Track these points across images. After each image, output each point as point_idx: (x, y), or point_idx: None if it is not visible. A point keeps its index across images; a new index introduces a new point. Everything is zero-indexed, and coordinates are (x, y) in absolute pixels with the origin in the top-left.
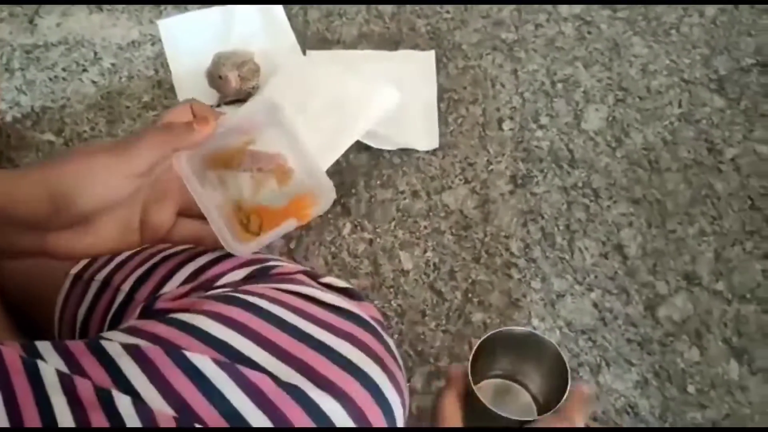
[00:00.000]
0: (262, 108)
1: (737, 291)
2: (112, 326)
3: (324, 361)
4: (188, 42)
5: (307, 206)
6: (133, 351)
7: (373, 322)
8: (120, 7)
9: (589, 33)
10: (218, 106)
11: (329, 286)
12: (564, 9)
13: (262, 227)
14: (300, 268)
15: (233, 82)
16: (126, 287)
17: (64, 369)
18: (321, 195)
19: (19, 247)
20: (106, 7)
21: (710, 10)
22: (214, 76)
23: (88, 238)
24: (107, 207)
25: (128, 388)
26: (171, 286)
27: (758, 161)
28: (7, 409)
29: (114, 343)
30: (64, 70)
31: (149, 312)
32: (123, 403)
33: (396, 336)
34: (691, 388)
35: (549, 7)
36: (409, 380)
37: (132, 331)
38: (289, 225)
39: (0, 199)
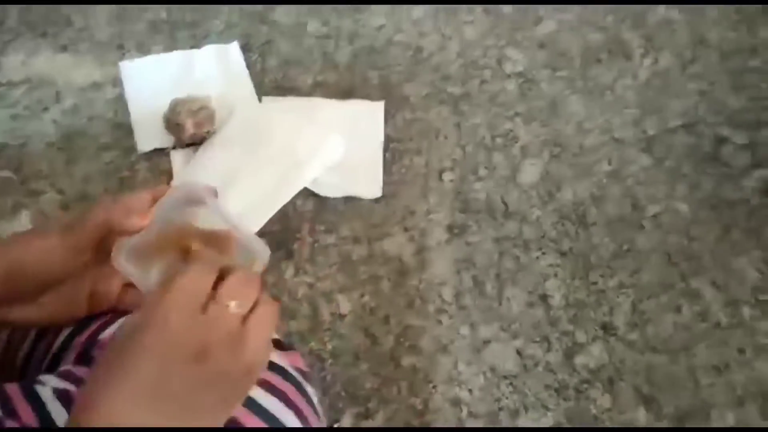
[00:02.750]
0: (195, 189)
1: (650, 342)
2: (50, 369)
3: (242, 409)
4: (148, 85)
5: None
6: (63, 395)
7: (296, 374)
8: (84, 47)
9: (530, 90)
10: (174, 149)
11: None
12: (508, 66)
13: None
14: None
15: (190, 129)
16: (66, 331)
17: None
18: (258, 256)
19: None
20: (71, 47)
21: (644, 73)
22: (171, 122)
23: (39, 311)
24: (55, 282)
25: None
26: (108, 333)
27: (678, 219)
28: None
29: (47, 387)
30: (25, 108)
31: (85, 357)
32: None
33: (329, 377)
34: (602, 427)
35: (494, 63)
36: (337, 420)
37: (65, 376)
38: None
39: None
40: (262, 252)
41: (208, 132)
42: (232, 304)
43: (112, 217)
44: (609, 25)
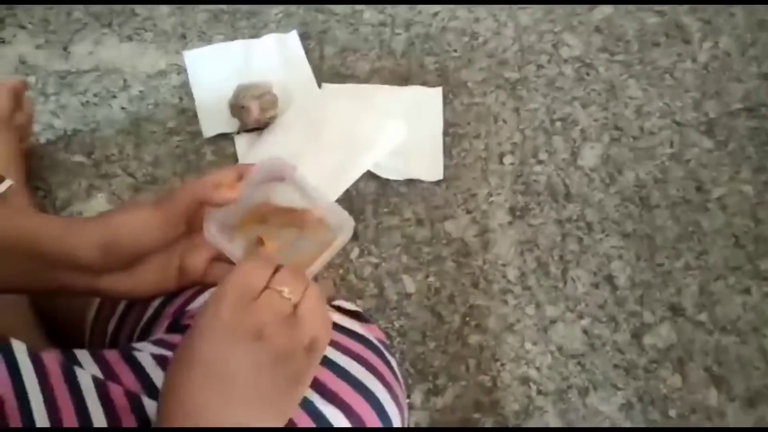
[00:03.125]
0: (276, 165)
1: (719, 322)
2: (141, 338)
3: (335, 379)
4: (211, 72)
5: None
6: (161, 361)
7: (378, 344)
8: (148, 37)
9: (587, 75)
10: (238, 133)
11: (340, 309)
12: (565, 51)
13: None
14: None
15: (254, 113)
16: (156, 302)
17: (99, 375)
18: (342, 227)
19: (74, 287)
20: (135, 36)
21: (702, 56)
22: (236, 107)
23: (131, 281)
24: (148, 255)
25: (156, 394)
26: (197, 304)
27: (743, 201)
28: (47, 410)
29: (144, 353)
30: (95, 95)
31: (176, 327)
32: (151, 407)
33: (397, 355)
34: (672, 413)
35: (550, 48)
36: (408, 396)
37: (161, 344)
38: (321, 260)
39: (61, 244)
40: (346, 222)
41: (271, 117)
42: (285, 290)
43: (203, 191)
44: (666, 9)
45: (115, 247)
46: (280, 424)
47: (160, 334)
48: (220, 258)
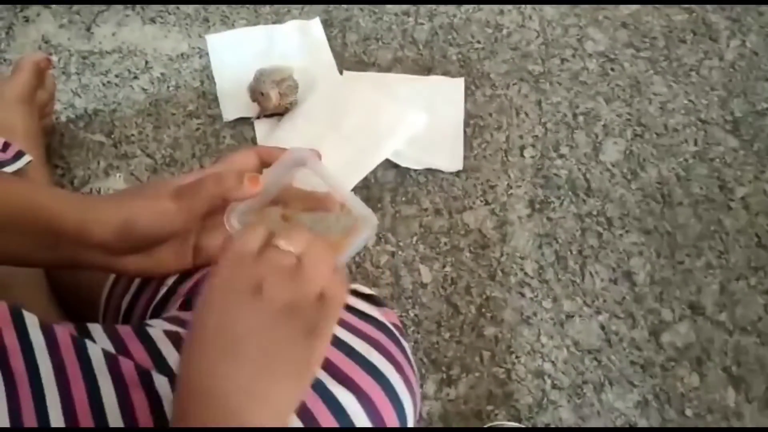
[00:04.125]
0: (300, 155)
1: (739, 323)
2: (154, 315)
3: (347, 360)
4: (233, 56)
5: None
6: (173, 337)
7: (393, 328)
8: (171, 20)
9: (612, 70)
10: (258, 118)
11: (355, 292)
12: (589, 45)
13: None
14: None
15: (273, 99)
16: (170, 281)
17: (111, 349)
18: (366, 224)
19: (89, 263)
20: (158, 19)
21: (729, 54)
22: (256, 92)
23: (148, 261)
24: (166, 239)
25: (166, 370)
26: None
27: (767, 201)
28: (57, 380)
29: (157, 329)
30: (116, 76)
31: (190, 305)
32: (161, 382)
33: (412, 344)
34: (689, 412)
35: (575, 42)
36: (421, 386)
37: (174, 321)
38: (346, 254)
39: (78, 221)
40: (370, 218)
41: (291, 103)
42: (281, 242)
43: (227, 188)
44: (693, 7)
45: (132, 232)
46: (305, 382)
47: (173, 311)
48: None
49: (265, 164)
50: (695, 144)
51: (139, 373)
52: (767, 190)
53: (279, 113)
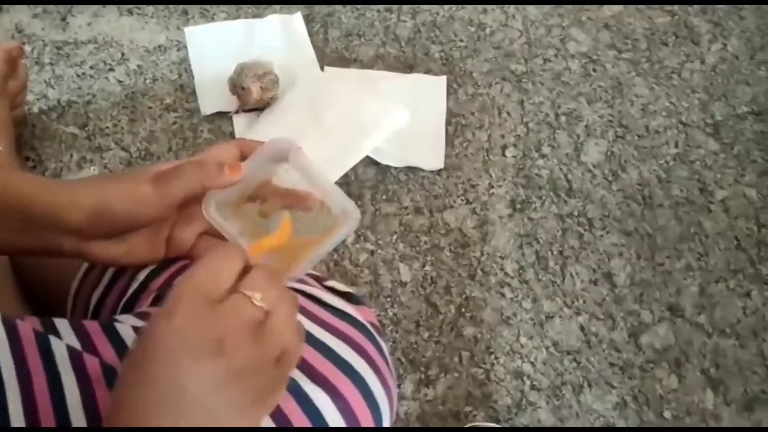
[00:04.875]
0: (282, 146)
1: (718, 325)
2: (125, 311)
3: (321, 359)
4: (212, 50)
5: (336, 230)
6: None
7: (370, 327)
8: (149, 11)
9: (594, 71)
10: (237, 113)
11: (332, 289)
12: (572, 46)
13: (300, 254)
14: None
15: (255, 93)
16: (141, 276)
17: (77, 346)
18: (347, 218)
19: (59, 249)
20: (136, 10)
21: (711, 57)
22: (237, 85)
23: (120, 249)
24: (141, 225)
25: None
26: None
27: (746, 204)
28: (18, 379)
29: (126, 325)
30: (91, 68)
31: (161, 301)
32: None
33: (390, 344)
34: (667, 414)
35: (558, 42)
36: (399, 386)
37: (144, 317)
38: (325, 247)
39: (51, 203)
40: (352, 212)
41: (271, 98)
42: (257, 295)
43: (206, 177)
44: (676, 9)
45: (106, 216)
46: None
47: (144, 307)
48: (210, 232)
49: (245, 157)
50: (676, 146)
51: (104, 370)
52: (747, 193)
53: (259, 108)
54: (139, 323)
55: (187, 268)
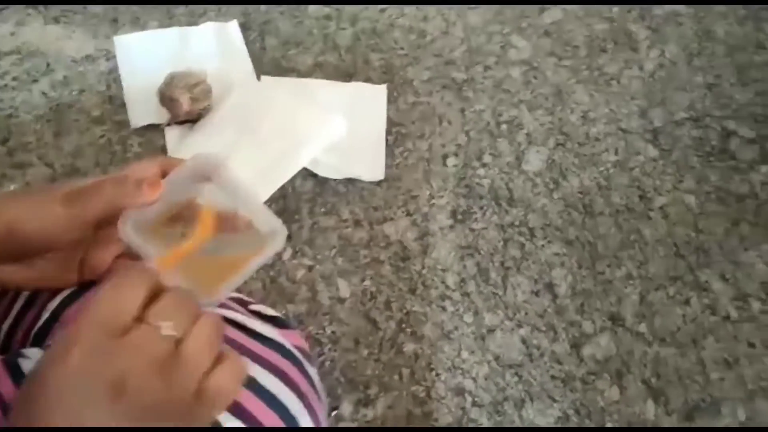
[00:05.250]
0: (205, 162)
1: (658, 334)
2: (36, 343)
3: (244, 391)
4: (143, 59)
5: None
6: None
7: (296, 352)
8: (77, 20)
9: (534, 78)
10: (168, 125)
11: (258, 314)
12: (513, 53)
13: (222, 276)
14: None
15: (185, 104)
16: (52, 305)
17: None
18: (274, 237)
19: None
20: (63, 19)
21: (649, 64)
22: (166, 97)
23: (29, 272)
24: (53, 248)
25: None
26: None
27: (685, 210)
28: None
29: (31, 361)
30: (14, 79)
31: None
32: None
33: (328, 363)
34: (609, 426)
35: (498, 49)
36: (336, 407)
37: None
38: (250, 267)
39: None
40: (279, 231)
41: (204, 108)
42: (165, 324)
43: (123, 196)
44: (615, 16)
45: (15, 237)
46: None
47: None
48: (129, 255)
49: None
50: (616, 153)
51: (3, 410)
52: (685, 199)
53: (191, 120)
54: None
55: None
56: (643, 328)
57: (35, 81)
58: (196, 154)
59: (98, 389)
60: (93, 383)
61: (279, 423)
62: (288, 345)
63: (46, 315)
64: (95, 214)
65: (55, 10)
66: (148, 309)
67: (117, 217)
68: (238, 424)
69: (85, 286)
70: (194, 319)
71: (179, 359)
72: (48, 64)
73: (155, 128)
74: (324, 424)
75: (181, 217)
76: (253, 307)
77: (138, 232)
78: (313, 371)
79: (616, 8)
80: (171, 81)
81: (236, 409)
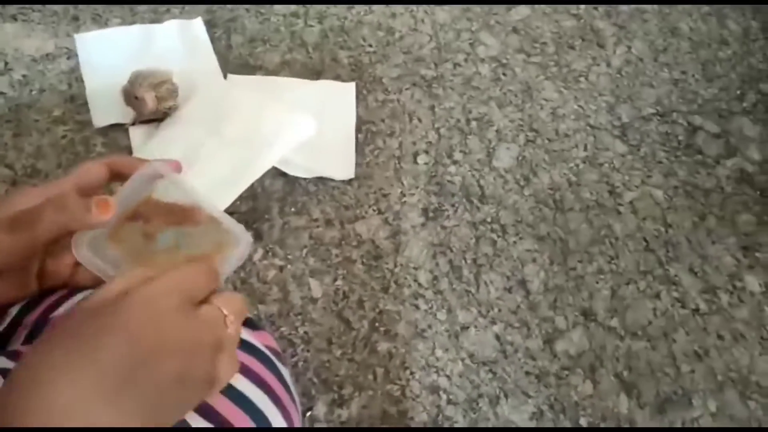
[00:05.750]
0: (153, 172)
1: (629, 328)
2: None
3: (217, 394)
4: (105, 58)
5: (227, 251)
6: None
7: (268, 352)
8: (36, 17)
9: (504, 75)
10: (133, 124)
11: None
12: (481, 50)
13: None
14: None
15: (149, 103)
16: (14, 311)
17: None
18: (239, 241)
19: None
20: (21, 16)
21: (616, 60)
22: (131, 96)
23: None
24: (1, 270)
25: None
26: (61, 311)
27: (653, 205)
28: None
29: None
30: None
31: (35, 337)
32: None
33: (301, 363)
34: (583, 421)
35: (467, 46)
36: (311, 408)
37: (13, 356)
38: (232, 263)
39: None
40: (243, 236)
41: (170, 108)
42: (231, 316)
43: (71, 221)
44: (582, 13)
45: None
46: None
47: (16, 345)
48: None
49: (118, 177)
50: (585, 149)
51: None
52: (653, 194)
53: (157, 119)
54: (6, 364)
55: (64, 300)
56: (614, 322)
57: None
58: (148, 162)
59: (178, 342)
60: (175, 335)
61: (250, 423)
62: (259, 345)
63: (7, 320)
64: (41, 240)
65: (13, 8)
66: (213, 297)
67: (68, 233)
68: (206, 425)
69: (46, 292)
70: (240, 324)
71: (223, 350)
72: (6, 63)
73: (119, 128)
74: (297, 424)
75: (139, 214)
76: None
77: (95, 244)
78: (285, 371)
79: (582, 6)
80: (135, 79)
81: (206, 411)
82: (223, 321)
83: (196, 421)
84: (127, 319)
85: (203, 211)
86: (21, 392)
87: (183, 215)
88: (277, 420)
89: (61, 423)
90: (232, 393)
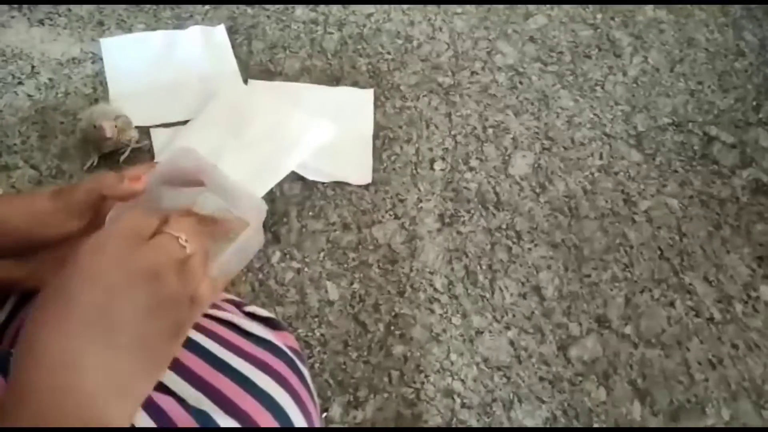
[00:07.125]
0: (182, 155)
1: (643, 335)
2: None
3: (236, 388)
4: (129, 62)
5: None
6: None
7: (289, 352)
8: (62, 22)
9: (520, 83)
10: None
11: (252, 315)
12: (498, 59)
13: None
14: (225, 295)
15: (108, 131)
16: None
17: None
18: (254, 214)
19: None
20: (47, 21)
21: (632, 70)
22: (89, 128)
23: (20, 270)
24: (45, 245)
25: None
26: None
27: (668, 214)
28: None
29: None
30: None
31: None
32: None
33: (317, 365)
34: (596, 427)
35: (484, 55)
36: (327, 410)
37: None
38: (231, 251)
39: None
40: (259, 207)
41: (130, 140)
42: (183, 236)
43: (106, 181)
44: (598, 23)
45: (5, 231)
46: (156, 380)
47: (5, 345)
48: None
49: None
50: (600, 158)
51: None
52: (668, 203)
53: (119, 150)
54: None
55: None
56: (629, 329)
57: (20, 83)
58: (179, 148)
59: (135, 273)
60: (134, 267)
61: (273, 423)
62: (281, 345)
63: (2, 316)
64: (79, 203)
65: (40, 12)
66: (166, 224)
67: (105, 211)
68: (233, 423)
69: None
70: (200, 242)
71: (188, 268)
72: (33, 67)
73: (141, 130)
74: (317, 424)
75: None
76: (247, 308)
77: None
78: (306, 372)
79: (599, 15)
80: (90, 115)
81: (232, 409)
82: (176, 243)
83: (221, 418)
84: (83, 269)
85: (237, 218)
86: (23, 350)
87: (220, 227)
88: (298, 419)
89: (64, 370)
90: (256, 391)
